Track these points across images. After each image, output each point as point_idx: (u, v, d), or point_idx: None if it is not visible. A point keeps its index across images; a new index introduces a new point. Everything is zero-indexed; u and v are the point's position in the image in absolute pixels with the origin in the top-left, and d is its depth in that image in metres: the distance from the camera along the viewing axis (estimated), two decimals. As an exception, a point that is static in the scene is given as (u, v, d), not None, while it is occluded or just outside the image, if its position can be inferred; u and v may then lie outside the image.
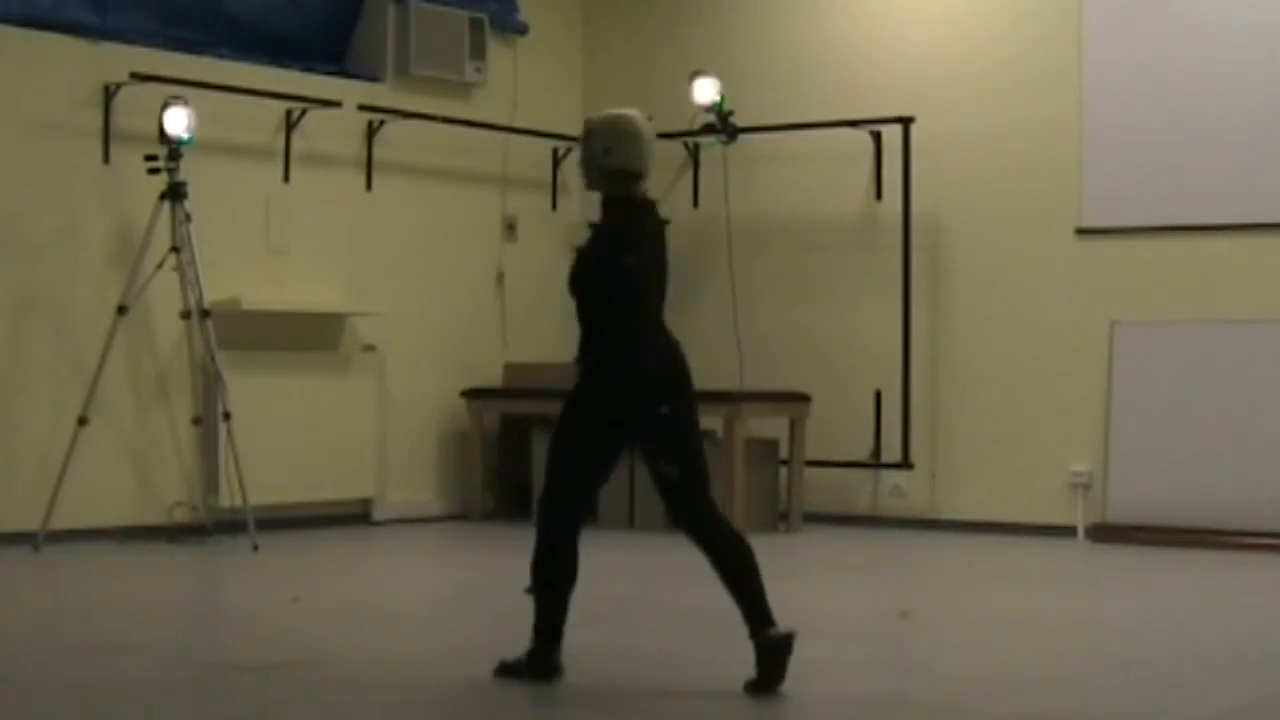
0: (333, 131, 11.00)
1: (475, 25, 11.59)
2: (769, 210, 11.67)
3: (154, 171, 9.70)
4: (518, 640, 6.05)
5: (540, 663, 5.96)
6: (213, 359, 9.87)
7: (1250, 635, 7.34)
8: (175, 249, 9.72)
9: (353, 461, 10.80)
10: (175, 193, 9.71)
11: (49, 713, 5.66)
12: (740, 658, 6.64)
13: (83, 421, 9.56)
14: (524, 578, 6.03)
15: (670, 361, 5.97)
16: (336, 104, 10.89)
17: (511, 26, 11.96)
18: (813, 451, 11.01)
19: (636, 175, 6.02)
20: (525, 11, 12.04)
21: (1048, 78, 10.82)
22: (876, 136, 11.23)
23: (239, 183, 10.54)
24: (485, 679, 6.02)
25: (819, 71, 11.57)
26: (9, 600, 8.06)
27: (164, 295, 9.86)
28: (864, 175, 11.38)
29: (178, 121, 9.68)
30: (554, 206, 12.08)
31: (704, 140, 11.69)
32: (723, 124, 11.34)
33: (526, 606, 6.00)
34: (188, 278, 9.79)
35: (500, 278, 11.87)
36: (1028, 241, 10.88)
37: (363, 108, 11.13)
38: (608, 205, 6.10)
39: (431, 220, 11.51)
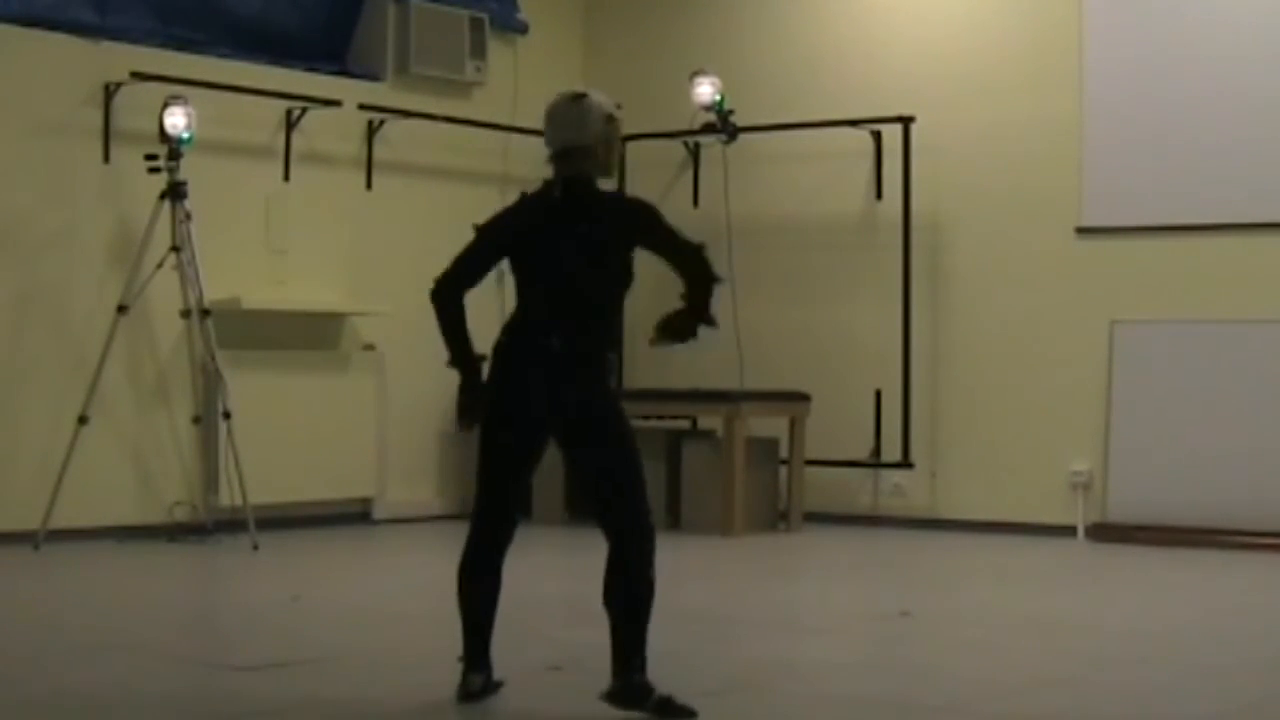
0: (333, 131, 11.00)
1: (475, 25, 11.59)
2: (769, 210, 11.67)
3: (154, 171, 9.71)
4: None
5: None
6: (213, 358, 9.88)
7: (1250, 635, 7.34)
8: (175, 248, 9.73)
9: (353, 461, 10.80)
10: (175, 192, 9.72)
11: (48, 713, 5.65)
12: (741, 658, 6.65)
13: (83, 421, 9.56)
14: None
15: None
16: (337, 103, 10.89)
17: (511, 26, 11.96)
18: (813, 451, 11.00)
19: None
20: (525, 11, 12.03)
21: (1048, 78, 10.81)
22: (876, 136, 11.23)
23: (239, 182, 10.54)
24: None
25: (819, 71, 11.57)
26: (9, 600, 8.05)
27: (164, 295, 9.87)
28: (864, 175, 11.37)
29: (178, 121, 9.69)
30: (554, 206, 12.08)
31: (704, 140, 11.69)
32: (723, 124, 11.34)
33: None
34: (188, 277, 9.80)
35: (500, 277, 11.79)
36: (1028, 241, 10.87)
37: (363, 107, 11.13)
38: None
39: (431, 220, 11.48)
